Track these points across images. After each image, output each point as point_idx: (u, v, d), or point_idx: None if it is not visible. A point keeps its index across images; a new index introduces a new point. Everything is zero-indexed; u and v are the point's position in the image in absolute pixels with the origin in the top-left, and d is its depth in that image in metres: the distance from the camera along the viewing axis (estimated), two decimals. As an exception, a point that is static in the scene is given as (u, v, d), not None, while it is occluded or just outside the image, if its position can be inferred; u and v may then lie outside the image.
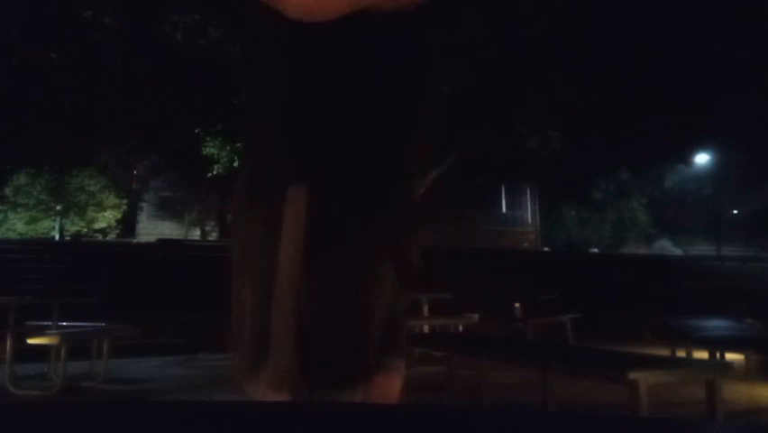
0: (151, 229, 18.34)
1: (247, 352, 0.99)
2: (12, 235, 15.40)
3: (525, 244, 21.32)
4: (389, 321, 1.04)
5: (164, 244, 11.41)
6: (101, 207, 16.78)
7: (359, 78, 1.00)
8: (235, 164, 13.95)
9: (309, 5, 0.87)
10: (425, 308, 7.04)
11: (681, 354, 5.07)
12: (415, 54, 1.07)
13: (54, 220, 16.34)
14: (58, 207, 16.16)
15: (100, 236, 16.90)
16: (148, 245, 12.37)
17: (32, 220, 15.90)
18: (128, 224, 18.32)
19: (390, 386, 1.12)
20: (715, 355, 4.93)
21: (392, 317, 1.05)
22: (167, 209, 18.98)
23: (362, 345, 0.98)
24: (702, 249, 25.30)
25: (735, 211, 27.68)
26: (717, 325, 5.61)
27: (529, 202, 22.18)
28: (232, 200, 1.07)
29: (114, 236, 17.30)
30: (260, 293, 0.97)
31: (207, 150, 14.05)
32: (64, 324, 4.80)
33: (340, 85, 0.99)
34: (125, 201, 17.63)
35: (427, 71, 1.11)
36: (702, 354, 4.84)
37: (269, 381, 0.95)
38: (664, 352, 5.07)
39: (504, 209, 21.78)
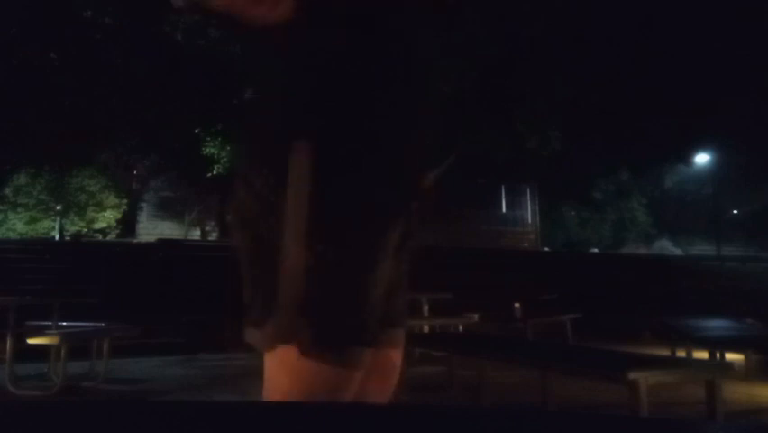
0: (151, 229, 18.34)
1: (253, 301, 1.00)
2: (12, 235, 15.40)
3: (525, 244, 21.32)
4: (390, 289, 1.05)
5: (164, 244, 11.41)
6: (101, 207, 16.79)
7: (358, 78, 1.01)
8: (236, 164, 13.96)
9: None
10: (425, 308, 7.04)
11: (681, 354, 5.07)
12: (415, 54, 1.07)
13: (54, 220, 16.34)
14: (58, 207, 16.16)
15: (100, 236, 16.90)
16: (148, 245, 12.38)
17: (32, 220, 15.90)
18: (128, 224, 18.33)
19: (391, 357, 1.14)
20: (715, 355, 4.93)
21: (392, 285, 1.06)
22: (167, 209, 18.99)
23: (368, 306, 0.99)
24: (702, 249, 25.31)
25: (735, 211, 27.69)
26: (717, 325, 5.61)
27: (529, 202, 22.18)
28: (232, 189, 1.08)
29: (114, 236, 17.31)
30: (266, 252, 0.98)
31: (207, 150, 14.07)
32: (64, 324, 4.80)
33: (339, 84, 0.99)
34: (125, 201, 17.64)
35: (427, 70, 1.12)
36: (702, 354, 4.84)
37: (274, 331, 0.96)
38: (664, 352, 5.07)
39: (504, 209, 21.79)
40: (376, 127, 1.02)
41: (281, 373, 0.98)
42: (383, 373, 1.13)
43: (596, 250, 22.49)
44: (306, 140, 0.96)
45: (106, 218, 16.98)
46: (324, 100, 0.99)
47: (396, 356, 1.16)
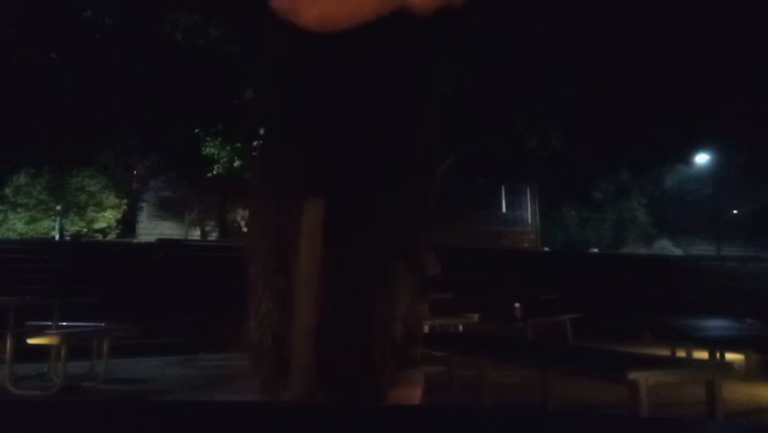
0: (151, 229, 18.33)
1: (266, 371, 1.00)
2: (12, 235, 15.39)
3: (525, 244, 21.32)
4: (407, 329, 1.04)
5: (164, 244, 11.41)
6: (101, 207, 16.78)
7: (360, 80, 1.00)
8: (235, 164, 13.96)
9: (324, 16, 0.87)
10: (425, 308, 7.04)
11: (681, 354, 5.07)
12: (415, 56, 1.07)
13: (54, 220, 16.34)
14: (58, 207, 16.16)
15: (100, 236, 16.89)
16: (148, 245, 12.37)
17: (32, 220, 15.90)
18: (128, 224, 18.32)
19: (409, 398, 1.12)
20: (715, 355, 4.93)
21: (410, 324, 1.05)
22: (167, 209, 18.98)
23: (382, 352, 0.98)
24: (702, 249, 25.29)
25: (735, 211, 27.68)
26: (717, 325, 5.61)
27: (529, 202, 22.17)
28: (247, 203, 1.09)
29: (114, 236, 17.30)
30: (276, 301, 0.98)
31: (207, 150, 14.06)
32: (64, 324, 4.80)
33: (342, 87, 0.99)
34: (125, 201, 17.63)
35: (427, 71, 1.11)
36: (702, 354, 4.83)
37: (291, 397, 0.95)
38: (664, 352, 5.07)
39: (504, 209, 21.78)
40: (380, 129, 1.02)
41: None
42: None
43: (596, 250, 22.48)
44: (315, 192, 0.97)
45: (106, 218, 16.97)
46: (326, 102, 0.99)
47: (412, 395, 1.13)
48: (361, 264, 0.98)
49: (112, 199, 17.03)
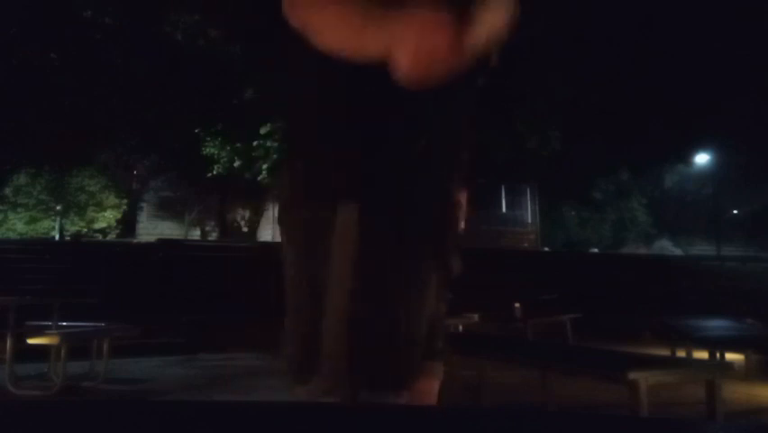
0: (151, 229, 18.33)
1: (298, 356, 1.03)
2: (12, 235, 15.40)
3: (526, 244, 21.32)
4: (432, 325, 1.08)
5: (164, 244, 11.42)
6: (101, 207, 16.79)
7: (389, 89, 1.00)
8: (235, 164, 13.96)
9: (418, 75, 0.87)
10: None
11: (681, 354, 5.07)
12: (451, 111, 1.12)
13: (54, 220, 16.34)
14: (58, 207, 16.16)
15: (100, 236, 16.90)
16: (148, 245, 12.38)
17: (32, 220, 15.90)
18: (128, 224, 18.32)
19: (430, 389, 1.17)
20: (715, 355, 4.93)
21: (434, 321, 1.10)
22: (167, 209, 18.98)
23: (409, 348, 1.02)
24: (702, 249, 25.30)
25: (735, 211, 27.68)
26: (717, 325, 5.61)
27: (529, 202, 22.17)
28: (279, 206, 1.11)
29: (114, 236, 17.30)
30: (311, 301, 1.01)
31: (207, 150, 14.06)
32: (64, 324, 4.80)
33: (372, 96, 0.99)
34: (125, 201, 17.64)
35: (463, 122, 1.15)
36: (702, 354, 4.83)
37: (319, 385, 0.99)
38: (664, 352, 5.07)
39: (504, 209, 21.78)
40: (409, 137, 1.04)
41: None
42: (419, 402, 1.15)
43: (596, 250, 22.48)
44: (349, 198, 1.00)
45: (106, 218, 16.97)
46: (357, 113, 1.01)
47: (433, 386, 1.17)
48: (392, 266, 1.01)
49: (112, 199, 17.04)
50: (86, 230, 16.62)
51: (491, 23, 0.92)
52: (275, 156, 12.97)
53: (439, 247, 1.09)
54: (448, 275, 1.12)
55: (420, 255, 1.04)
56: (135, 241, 16.05)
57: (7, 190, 15.61)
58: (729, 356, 5.12)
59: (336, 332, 0.98)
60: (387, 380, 0.99)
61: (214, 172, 14.18)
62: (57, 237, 15.99)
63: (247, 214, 18.40)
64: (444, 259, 1.10)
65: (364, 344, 0.98)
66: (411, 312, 1.02)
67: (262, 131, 13.02)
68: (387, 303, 1.00)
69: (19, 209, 15.75)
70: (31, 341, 4.13)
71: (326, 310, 0.98)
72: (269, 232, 16.93)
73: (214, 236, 18.31)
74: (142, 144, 15.08)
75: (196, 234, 18.71)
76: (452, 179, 1.14)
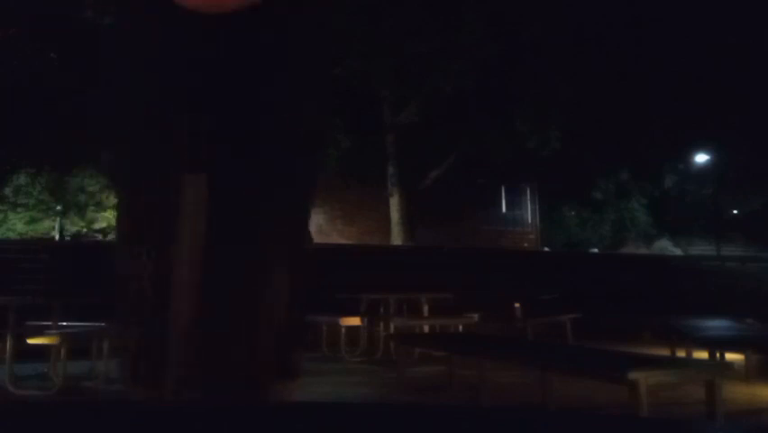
0: (151, 229, 18.30)
1: (141, 365, 0.96)
2: (12, 235, 15.39)
3: (526, 244, 21.31)
4: (286, 320, 1.02)
5: (164, 244, 11.38)
6: (101, 207, 16.78)
7: (236, 68, 0.98)
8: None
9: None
10: (425, 308, 7.04)
11: (681, 354, 5.07)
12: (298, 43, 1.04)
13: (54, 220, 16.33)
14: (58, 207, 16.16)
15: (100, 236, 16.89)
16: (148, 245, 12.34)
17: (32, 220, 15.89)
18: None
19: (288, 388, 1.10)
20: (715, 355, 4.93)
21: (289, 315, 1.03)
22: (167, 209, 18.95)
23: (260, 343, 0.97)
24: (702, 249, 25.29)
25: (735, 211, 27.67)
26: (717, 325, 5.61)
27: (529, 202, 22.16)
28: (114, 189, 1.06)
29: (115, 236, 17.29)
30: (152, 287, 0.94)
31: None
32: (64, 324, 4.80)
33: (219, 74, 0.96)
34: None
35: (314, 60, 1.09)
36: (702, 354, 4.84)
37: (169, 390, 0.93)
38: (664, 352, 5.07)
39: (504, 209, 21.77)
40: (259, 116, 0.99)
41: None
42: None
43: (596, 250, 22.47)
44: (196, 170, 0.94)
45: (106, 218, 16.96)
46: (208, 98, 0.97)
47: (292, 388, 1.10)
48: (244, 248, 0.96)
49: (112, 199, 17.03)
50: (86, 230, 16.62)
51: None
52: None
53: (294, 229, 1.03)
54: (302, 283, 1.05)
55: (273, 237, 0.98)
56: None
57: (7, 190, 15.60)
58: (729, 356, 5.12)
59: (184, 327, 0.92)
60: (241, 378, 0.95)
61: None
62: (57, 237, 15.98)
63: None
64: (300, 241, 1.05)
65: (217, 334, 0.93)
66: (266, 297, 0.96)
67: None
68: (240, 287, 0.94)
69: (19, 209, 15.74)
70: (31, 341, 4.13)
71: (173, 304, 0.93)
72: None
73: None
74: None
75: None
76: (305, 161, 1.07)
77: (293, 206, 1.05)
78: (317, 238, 14.24)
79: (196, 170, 0.94)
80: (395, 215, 13.69)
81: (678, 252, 25.37)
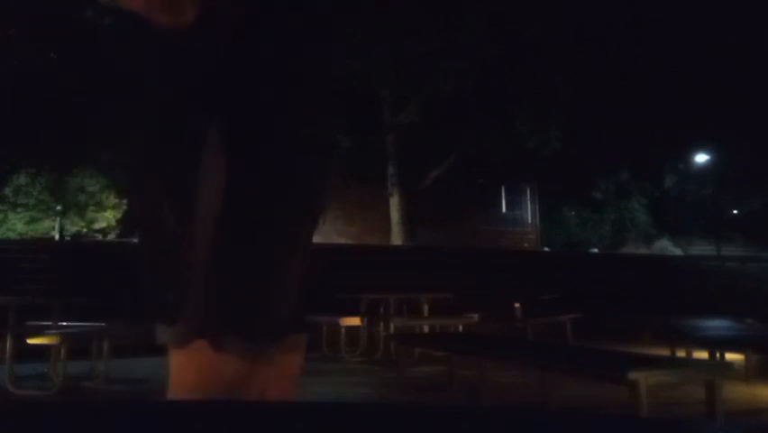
0: (151, 229, 18.30)
1: (162, 301, 1.02)
2: (12, 235, 15.39)
3: (526, 244, 21.32)
4: (298, 292, 1.07)
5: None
6: (101, 207, 16.78)
7: (243, 73, 1.02)
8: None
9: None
10: (425, 308, 7.05)
11: (681, 354, 5.07)
12: (306, 54, 1.10)
13: (54, 220, 16.34)
14: (58, 207, 16.16)
15: (100, 236, 16.90)
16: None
17: (32, 220, 15.90)
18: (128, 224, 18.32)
19: (292, 362, 1.14)
20: (715, 355, 4.93)
21: (300, 289, 1.08)
22: (167, 209, 18.95)
23: (274, 305, 1.01)
24: (702, 249, 25.29)
25: (735, 211, 27.68)
26: (717, 325, 5.62)
27: (529, 202, 22.17)
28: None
29: (114, 236, 17.29)
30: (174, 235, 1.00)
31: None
32: (64, 324, 4.80)
33: (231, 76, 1.01)
34: (125, 201, 17.63)
35: (322, 70, 1.14)
36: (702, 354, 4.84)
37: (188, 327, 0.97)
38: (664, 352, 5.07)
39: (504, 209, 21.77)
40: (275, 125, 1.04)
41: (189, 367, 0.99)
42: (283, 377, 1.13)
43: (596, 250, 22.48)
44: (218, 138, 0.98)
45: (106, 218, 16.97)
46: (222, 98, 1.01)
47: (296, 361, 1.16)
48: (264, 257, 1.00)
49: (112, 199, 17.03)
50: (86, 230, 16.62)
51: None
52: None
53: (311, 204, 1.09)
54: (308, 251, 1.11)
55: (292, 207, 1.03)
56: (135, 241, 16.02)
57: (7, 190, 15.60)
58: (729, 356, 5.12)
59: (202, 276, 0.96)
60: (253, 326, 0.99)
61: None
62: (57, 237, 15.99)
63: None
64: (315, 218, 1.12)
65: (230, 287, 0.97)
66: (280, 258, 1.01)
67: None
68: (253, 252, 0.99)
69: (19, 209, 15.75)
70: (31, 341, 4.13)
71: (191, 256, 0.97)
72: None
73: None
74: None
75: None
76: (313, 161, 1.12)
77: (305, 203, 1.10)
78: (317, 238, 14.23)
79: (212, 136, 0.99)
80: (395, 215, 13.69)
81: (678, 252, 25.38)
